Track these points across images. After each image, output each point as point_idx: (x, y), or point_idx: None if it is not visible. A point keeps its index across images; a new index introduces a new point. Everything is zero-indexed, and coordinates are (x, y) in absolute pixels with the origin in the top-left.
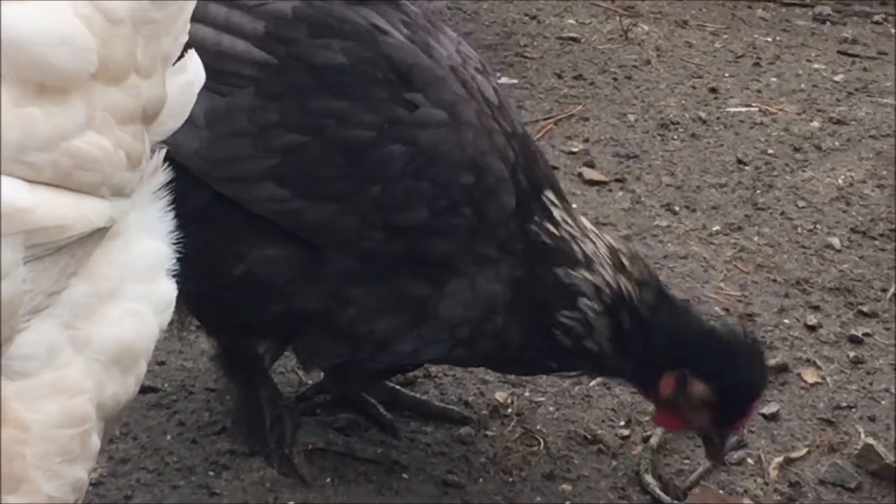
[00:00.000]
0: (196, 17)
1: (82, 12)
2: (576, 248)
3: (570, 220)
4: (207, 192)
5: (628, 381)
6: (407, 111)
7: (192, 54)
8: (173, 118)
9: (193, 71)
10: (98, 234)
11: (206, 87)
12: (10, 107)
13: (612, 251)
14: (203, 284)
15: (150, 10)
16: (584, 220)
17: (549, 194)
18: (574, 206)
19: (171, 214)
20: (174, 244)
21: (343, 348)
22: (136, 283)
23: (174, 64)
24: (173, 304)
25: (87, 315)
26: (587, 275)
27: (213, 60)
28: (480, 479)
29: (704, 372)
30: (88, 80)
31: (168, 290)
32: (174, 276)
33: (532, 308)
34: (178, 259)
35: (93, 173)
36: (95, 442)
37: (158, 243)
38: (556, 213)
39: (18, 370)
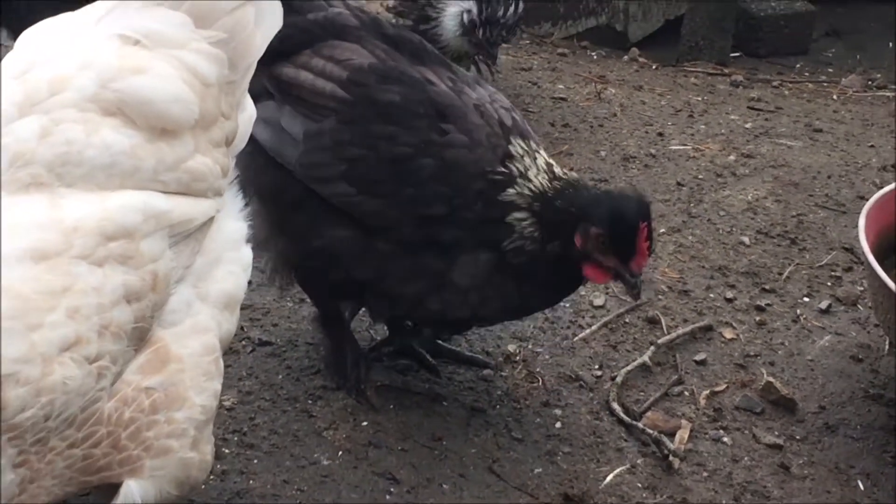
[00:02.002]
0: (302, 65)
1: (186, 77)
2: (514, 169)
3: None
4: (301, 187)
5: (570, 261)
6: (439, 136)
7: (248, 97)
8: (242, 140)
9: (251, 109)
10: (208, 223)
11: (303, 115)
12: (145, 144)
13: (548, 165)
14: (297, 254)
15: (229, 75)
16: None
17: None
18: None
19: (243, 200)
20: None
21: (385, 306)
22: (230, 251)
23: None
24: (251, 263)
25: (205, 277)
26: (518, 188)
27: (310, 96)
28: (497, 406)
29: (597, 219)
30: (193, 123)
31: (248, 254)
32: (276, 249)
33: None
34: (282, 236)
35: (202, 182)
36: (221, 364)
37: (239, 223)
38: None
39: (170, 321)
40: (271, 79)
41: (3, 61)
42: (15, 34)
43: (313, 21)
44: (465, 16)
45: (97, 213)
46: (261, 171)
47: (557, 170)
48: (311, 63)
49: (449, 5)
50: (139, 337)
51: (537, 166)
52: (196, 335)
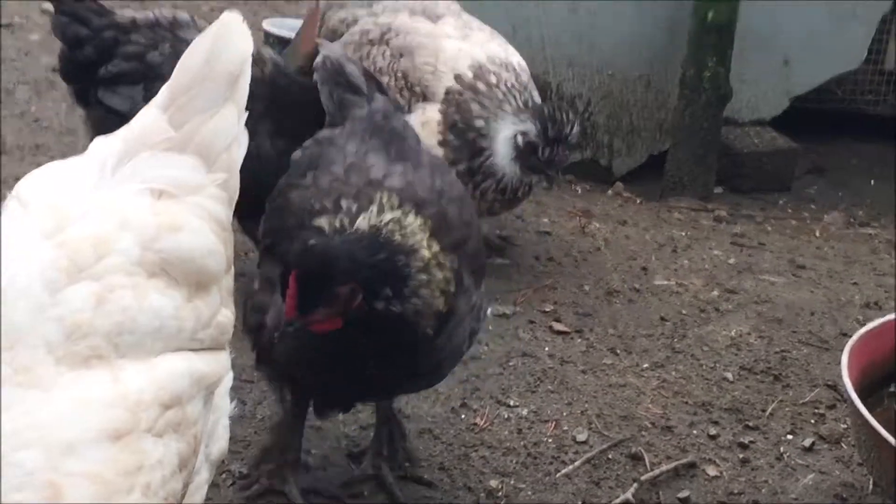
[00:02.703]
0: None
1: (213, 228)
2: None
3: None
4: None
5: None
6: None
7: None
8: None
9: None
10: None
11: None
12: (184, 303)
13: None
14: None
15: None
16: None
17: None
18: None
19: None
20: None
21: None
22: (225, 404)
23: None
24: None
25: (212, 435)
26: None
27: None
28: None
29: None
30: (222, 274)
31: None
32: None
33: None
34: None
35: (226, 335)
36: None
37: (230, 372)
38: None
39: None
40: None
41: (11, 214)
42: None
43: None
44: (520, 138)
45: (153, 384)
46: None
47: None
48: None
49: (501, 129)
50: (180, 500)
51: None
52: (198, 491)
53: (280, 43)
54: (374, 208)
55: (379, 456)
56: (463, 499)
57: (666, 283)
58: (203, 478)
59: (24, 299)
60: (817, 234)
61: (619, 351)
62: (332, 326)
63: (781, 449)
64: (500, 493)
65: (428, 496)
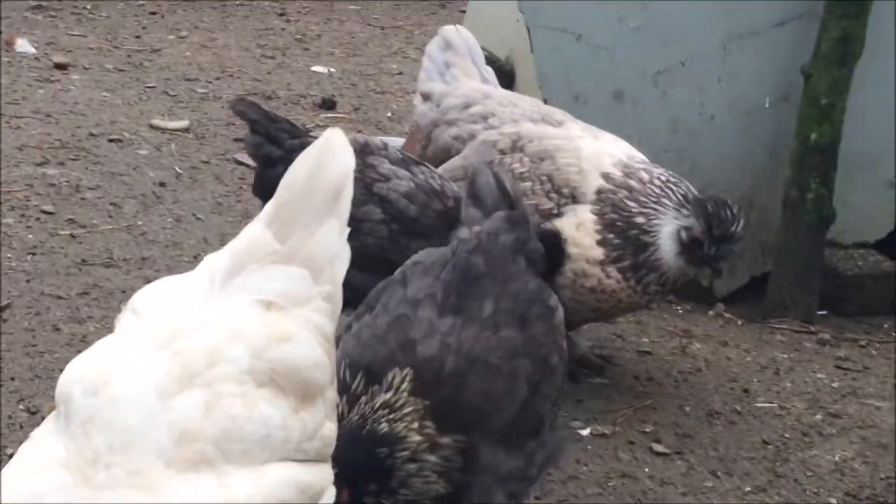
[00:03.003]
0: None
1: (319, 340)
2: None
3: None
4: None
5: None
6: None
7: None
8: None
9: None
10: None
11: None
12: (291, 414)
13: None
14: None
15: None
16: None
17: None
18: None
19: None
20: None
21: None
22: None
23: None
24: None
25: None
26: None
27: None
28: None
29: None
30: (327, 385)
31: None
32: None
33: None
34: None
35: (329, 448)
36: None
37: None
38: None
39: None
40: None
41: (126, 325)
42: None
43: None
44: (684, 233)
45: (261, 492)
46: None
47: None
48: None
49: (664, 225)
50: None
51: None
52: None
53: None
54: (374, 391)
55: None
56: None
57: (768, 405)
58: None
59: (137, 406)
60: None
61: (720, 474)
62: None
63: None
64: None
65: None
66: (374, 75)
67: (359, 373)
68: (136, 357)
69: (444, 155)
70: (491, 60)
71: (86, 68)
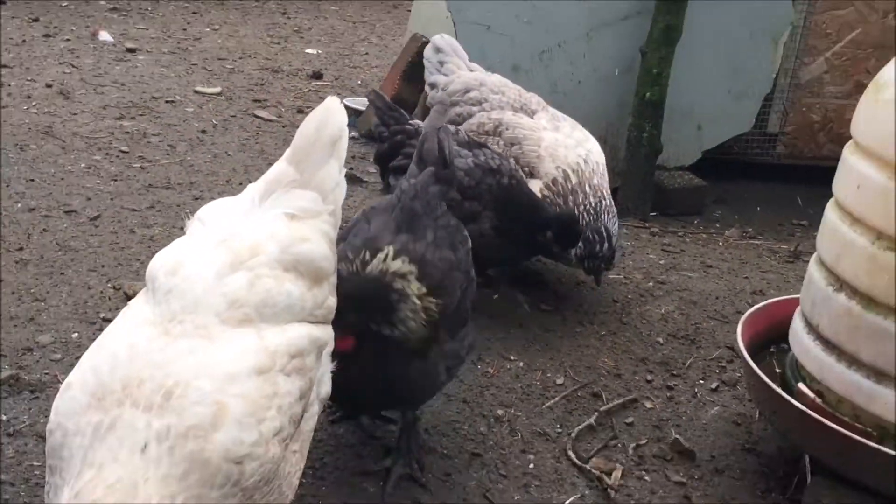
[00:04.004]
0: None
1: (326, 241)
2: None
3: None
4: None
5: None
6: None
7: None
8: None
9: None
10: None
11: None
12: (307, 291)
13: None
14: None
15: (334, 233)
16: None
17: None
18: None
19: None
20: None
21: None
22: (328, 363)
23: None
24: None
25: (320, 382)
26: None
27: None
28: (489, 452)
29: None
30: (330, 273)
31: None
32: None
33: None
34: None
35: (331, 314)
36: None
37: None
38: None
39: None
40: None
41: (194, 230)
42: None
43: None
44: (577, 250)
45: (285, 341)
46: None
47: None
48: None
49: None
50: (298, 421)
51: None
52: (311, 419)
53: (355, 113)
54: (380, 257)
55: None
56: (479, 422)
57: (617, 276)
58: (315, 410)
59: (202, 282)
60: (720, 243)
61: (585, 323)
62: (346, 345)
63: (696, 390)
64: (504, 419)
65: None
66: (348, 55)
67: (358, 253)
68: (201, 250)
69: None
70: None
71: (148, 51)
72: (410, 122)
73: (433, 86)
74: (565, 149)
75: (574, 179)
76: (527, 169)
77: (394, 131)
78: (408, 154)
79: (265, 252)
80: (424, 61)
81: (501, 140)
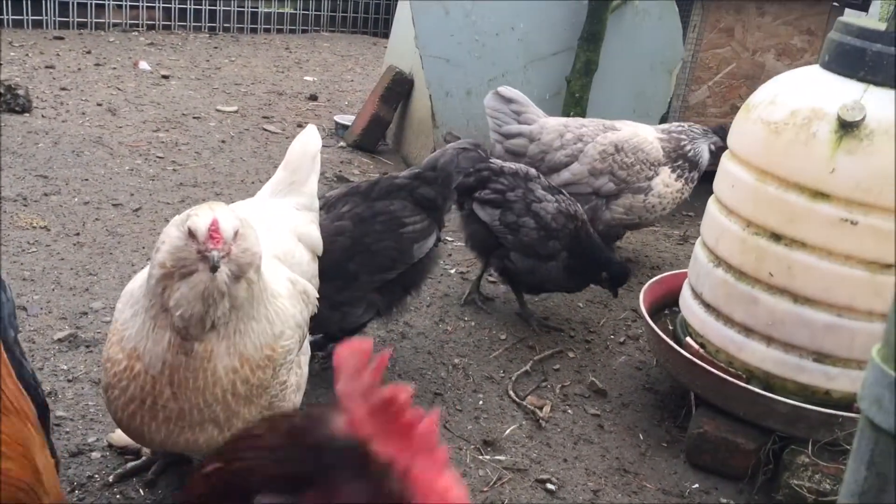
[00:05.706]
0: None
1: (316, 227)
2: None
3: None
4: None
5: None
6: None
7: None
8: None
9: None
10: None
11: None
12: (311, 260)
13: None
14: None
15: (317, 222)
16: None
17: None
18: None
19: None
20: None
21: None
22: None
23: None
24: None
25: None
26: None
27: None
28: (448, 392)
29: None
30: (319, 253)
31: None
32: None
33: None
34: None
35: (316, 279)
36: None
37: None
38: None
39: (303, 350)
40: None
41: (246, 213)
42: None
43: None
44: (713, 146)
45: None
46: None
47: None
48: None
49: (701, 145)
50: (302, 340)
51: None
52: (304, 355)
53: (342, 127)
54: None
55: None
56: (440, 369)
57: None
58: (305, 346)
59: (255, 234)
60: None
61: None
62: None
63: (607, 343)
64: (460, 366)
65: (421, 368)
66: (338, 81)
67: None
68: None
69: (555, 169)
70: (401, 73)
71: (179, 78)
72: (492, 160)
73: (511, 135)
74: (645, 131)
75: (672, 137)
76: (656, 162)
77: (479, 168)
78: (496, 190)
79: (280, 228)
80: (491, 111)
81: (630, 152)
